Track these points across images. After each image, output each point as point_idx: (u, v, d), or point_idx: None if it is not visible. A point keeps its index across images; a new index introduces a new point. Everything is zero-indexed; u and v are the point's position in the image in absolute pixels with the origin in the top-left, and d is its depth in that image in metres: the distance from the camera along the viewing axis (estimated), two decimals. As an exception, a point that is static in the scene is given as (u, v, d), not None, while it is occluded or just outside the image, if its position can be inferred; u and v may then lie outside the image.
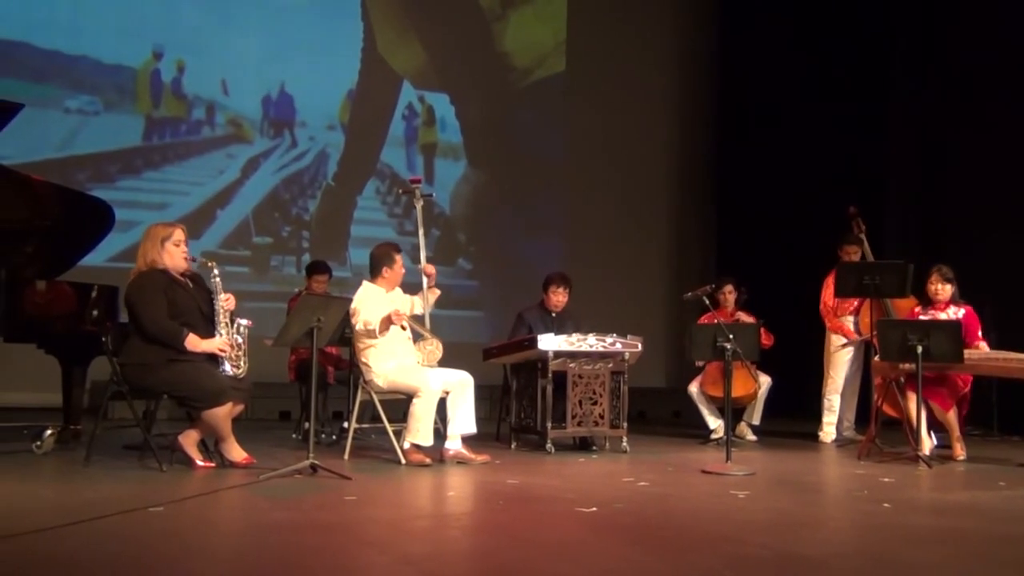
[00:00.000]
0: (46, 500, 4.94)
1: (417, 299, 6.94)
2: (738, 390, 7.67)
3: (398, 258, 6.73)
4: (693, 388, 8.22)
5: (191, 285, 5.92)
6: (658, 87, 12.82)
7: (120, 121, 10.75)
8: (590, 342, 7.14)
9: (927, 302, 7.28)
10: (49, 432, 6.53)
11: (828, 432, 8.24)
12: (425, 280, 6.96)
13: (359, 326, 6.41)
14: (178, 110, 10.98)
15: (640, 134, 12.65)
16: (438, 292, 7.07)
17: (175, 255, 5.84)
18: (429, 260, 7.15)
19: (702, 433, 8.22)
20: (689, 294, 6.94)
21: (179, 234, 5.89)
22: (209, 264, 5.95)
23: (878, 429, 7.16)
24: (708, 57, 13.00)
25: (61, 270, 6.69)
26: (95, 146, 10.60)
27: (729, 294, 8.32)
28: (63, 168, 10.02)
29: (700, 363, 8.07)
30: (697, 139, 12.99)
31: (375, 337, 6.37)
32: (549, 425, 7.07)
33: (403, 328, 6.53)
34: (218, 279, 5.89)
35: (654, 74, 12.80)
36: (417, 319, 6.84)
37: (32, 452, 6.38)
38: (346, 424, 6.94)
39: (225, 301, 5.88)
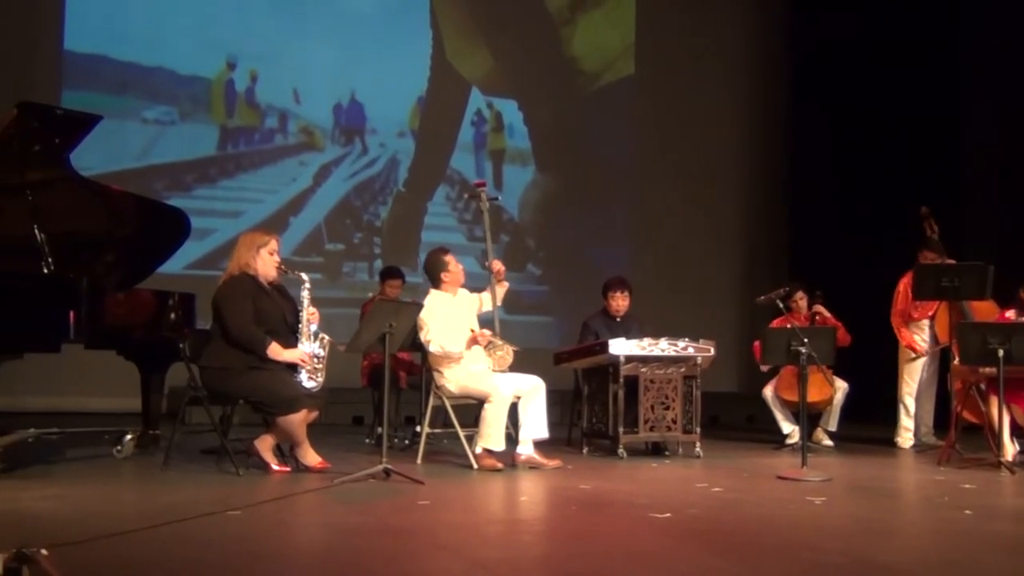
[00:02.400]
0: (127, 503, 5.04)
1: (486, 295, 6.95)
2: (814, 395, 7.55)
3: (449, 259, 6.78)
4: (767, 392, 8.11)
5: (277, 294, 6.02)
6: (728, 88, 12.69)
7: (196, 131, 10.95)
8: (662, 346, 7.09)
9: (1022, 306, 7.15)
10: (129, 437, 6.66)
11: (906, 438, 8.08)
12: (492, 277, 6.96)
13: (434, 349, 6.46)
14: (251, 119, 11.15)
15: (710, 136, 12.53)
16: (507, 285, 7.07)
17: (268, 263, 5.95)
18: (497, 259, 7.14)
19: (776, 438, 8.11)
20: (762, 298, 6.87)
21: (274, 244, 6.02)
22: (300, 276, 6.03)
23: (958, 434, 7.01)
24: (779, 57, 12.84)
25: (140, 278, 6.81)
26: (172, 155, 10.81)
27: (800, 300, 8.19)
28: (141, 178, 10.22)
29: (765, 368, 7.98)
30: (769, 140, 12.83)
31: (457, 360, 6.43)
32: (621, 430, 7.03)
33: (482, 343, 6.56)
34: (308, 291, 5.99)
35: (724, 75, 12.68)
36: (490, 327, 6.85)
37: (113, 456, 6.52)
38: (418, 429, 6.98)
39: (311, 315, 5.97)
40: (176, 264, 7.85)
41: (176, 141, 10.83)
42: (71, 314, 5.44)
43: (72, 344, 5.54)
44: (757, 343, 7.55)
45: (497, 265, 6.97)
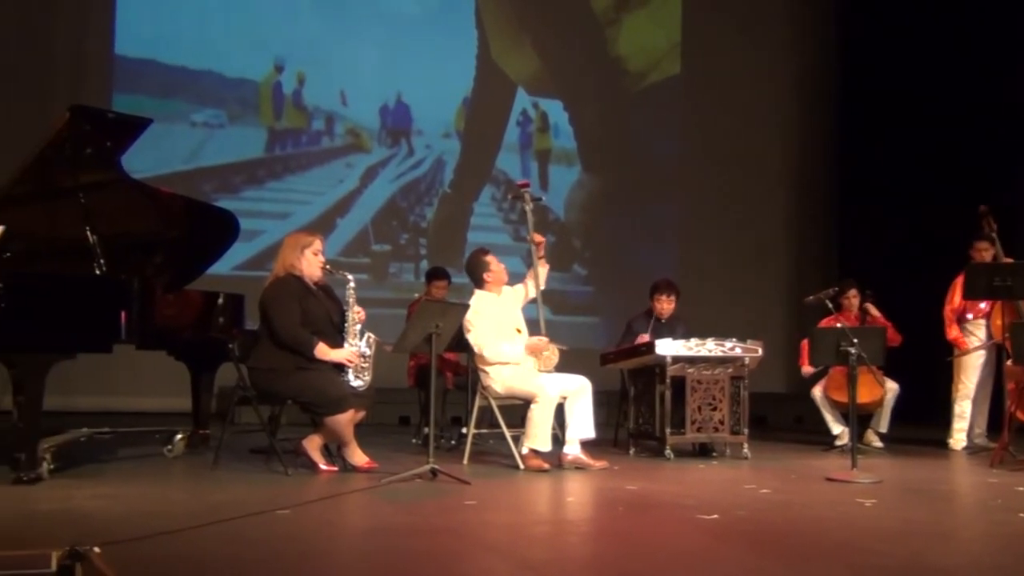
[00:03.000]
0: (177, 502, 5.10)
1: (529, 283, 6.93)
2: (864, 396, 7.45)
3: (490, 259, 6.79)
4: (817, 392, 8.03)
5: (323, 295, 6.06)
6: (775, 86, 12.58)
7: (244, 133, 11.05)
8: (709, 347, 7.05)
9: None
10: (179, 436, 6.75)
11: (958, 439, 7.96)
12: (534, 249, 6.92)
13: (487, 355, 6.48)
14: (299, 121, 11.23)
15: (757, 135, 12.43)
16: (547, 266, 7.05)
17: (313, 264, 5.99)
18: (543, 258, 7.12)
19: (825, 440, 8.03)
20: (811, 297, 6.81)
21: (318, 244, 6.06)
22: (345, 276, 6.07)
23: (1011, 436, 6.90)
24: (828, 53, 12.71)
25: (189, 279, 6.88)
26: (220, 158, 10.92)
27: (853, 298, 8.09)
28: (190, 180, 10.33)
29: (809, 370, 7.91)
30: (817, 138, 12.71)
31: (518, 363, 6.44)
32: (668, 431, 7.00)
33: (542, 349, 6.57)
34: (353, 291, 6.02)
35: (771, 73, 12.57)
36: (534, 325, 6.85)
37: (164, 456, 6.60)
38: (465, 429, 6.99)
39: (357, 314, 6.00)
40: (225, 265, 7.92)
41: (224, 143, 10.94)
42: (123, 315, 5.50)
43: (123, 344, 5.61)
44: (805, 342, 7.49)
45: (539, 238, 6.91)
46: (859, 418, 6.73)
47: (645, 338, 7.35)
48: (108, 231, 5.96)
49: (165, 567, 3.50)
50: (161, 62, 10.73)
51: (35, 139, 5.87)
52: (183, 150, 10.72)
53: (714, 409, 7.07)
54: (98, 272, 5.80)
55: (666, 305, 7.76)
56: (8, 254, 5.58)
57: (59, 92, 9.90)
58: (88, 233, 5.86)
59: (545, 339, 6.64)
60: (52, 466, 5.44)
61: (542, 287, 6.93)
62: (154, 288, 6.00)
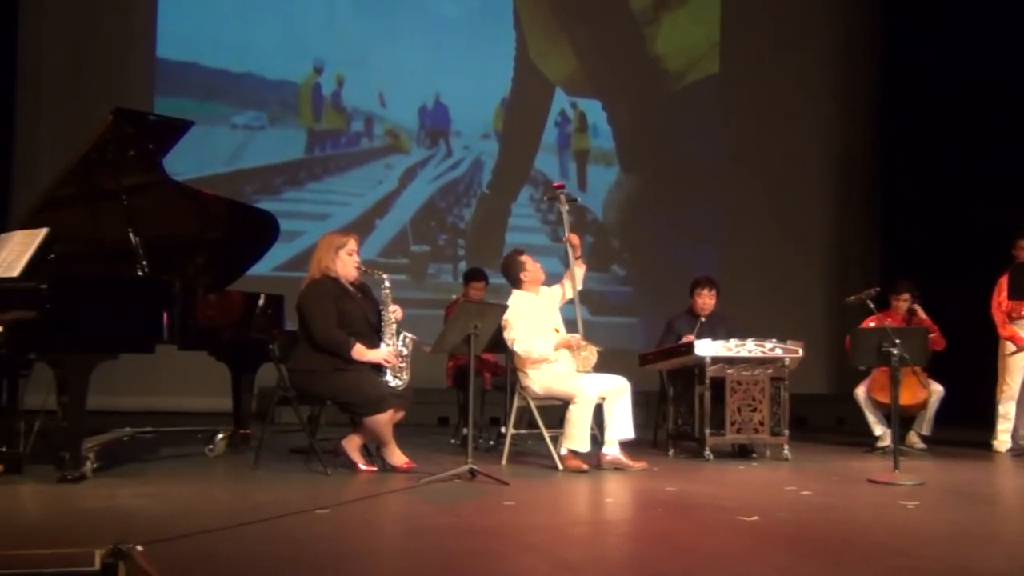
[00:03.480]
0: (218, 501, 5.14)
1: (567, 283, 6.92)
2: (907, 398, 7.39)
3: (525, 259, 6.78)
4: (860, 392, 7.95)
5: (360, 295, 6.08)
6: (816, 84, 12.49)
7: (284, 135, 11.13)
8: (749, 347, 7.00)
9: None
10: (220, 436, 6.80)
11: (1003, 441, 7.86)
12: (570, 251, 6.90)
13: (521, 350, 6.47)
14: (338, 122, 11.30)
15: (798, 134, 12.34)
16: (584, 266, 7.03)
17: (347, 264, 6.02)
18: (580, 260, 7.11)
19: (867, 441, 7.95)
20: (852, 297, 6.75)
21: (352, 244, 6.08)
22: (380, 275, 6.09)
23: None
24: (871, 51, 12.60)
25: (230, 280, 6.93)
26: (261, 160, 11.01)
27: (904, 300, 7.99)
28: (231, 182, 10.42)
29: (863, 368, 7.84)
30: (859, 137, 12.60)
31: (550, 361, 6.44)
32: (707, 432, 6.96)
33: (574, 346, 6.55)
34: (388, 290, 6.04)
35: (812, 72, 12.48)
36: (572, 325, 6.83)
37: (205, 455, 6.66)
38: (503, 430, 6.99)
39: (393, 312, 6.02)
40: (265, 266, 7.97)
41: (265, 145, 11.03)
42: (165, 315, 5.55)
43: (166, 345, 5.66)
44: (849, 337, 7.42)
45: (574, 239, 6.90)
46: (902, 420, 6.66)
47: (690, 338, 7.31)
48: (150, 232, 6.02)
49: (207, 566, 3.52)
50: (202, 65, 10.84)
51: (79, 142, 5.95)
52: (224, 152, 10.82)
53: (754, 410, 7.02)
54: (141, 273, 5.86)
55: (707, 300, 7.72)
56: (52, 256, 5.64)
57: (102, 95, 10.01)
58: (131, 235, 5.91)
59: (577, 336, 6.62)
60: (96, 465, 5.50)
61: (579, 287, 6.91)
62: (196, 289, 6.05)
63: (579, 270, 6.92)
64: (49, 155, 9.61)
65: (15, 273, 5.41)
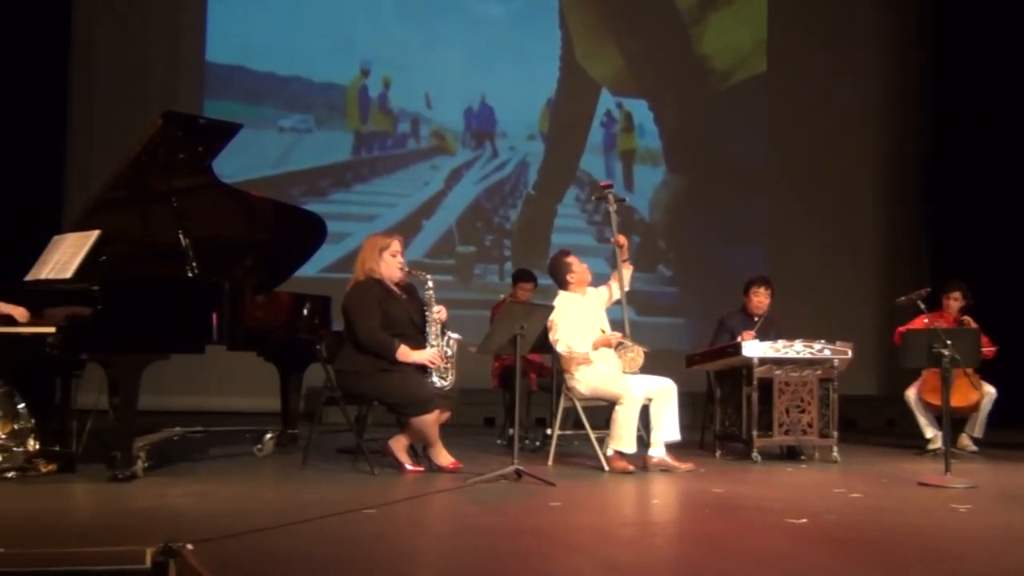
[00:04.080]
0: (267, 501, 5.18)
1: (614, 284, 6.90)
2: (958, 400, 7.28)
3: (572, 260, 6.77)
4: (910, 394, 7.85)
5: (404, 296, 6.11)
6: (865, 81, 12.35)
7: (331, 137, 11.21)
8: (797, 348, 6.95)
9: None
10: (269, 436, 6.86)
11: (1057, 443, 7.74)
12: (618, 252, 6.88)
13: (561, 348, 6.46)
14: (385, 124, 11.35)
15: (847, 132, 12.21)
16: (631, 267, 7.01)
17: (391, 265, 6.05)
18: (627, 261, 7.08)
19: (918, 443, 7.85)
20: (903, 298, 6.67)
21: (396, 245, 6.10)
22: (423, 276, 6.12)
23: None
24: (920, 46, 12.43)
25: (278, 281, 6.98)
26: (308, 162, 11.09)
27: (955, 300, 7.89)
28: (278, 184, 10.50)
29: (915, 367, 7.74)
30: (909, 134, 12.43)
31: (585, 362, 6.43)
32: (755, 433, 6.91)
33: (613, 344, 6.53)
34: (431, 291, 6.06)
35: (860, 70, 12.34)
36: (620, 329, 6.81)
37: (254, 455, 6.71)
38: (549, 431, 6.99)
39: (437, 313, 6.04)
40: (312, 267, 8.02)
41: (312, 148, 11.11)
42: (214, 316, 5.61)
43: (215, 345, 5.71)
44: (900, 330, 7.34)
45: (622, 239, 6.87)
46: (953, 422, 6.57)
47: (751, 334, 7.26)
48: (200, 234, 6.08)
49: (256, 564, 3.55)
50: (250, 68, 10.94)
51: (130, 145, 6.02)
52: (272, 155, 10.91)
53: (802, 411, 6.96)
54: (190, 274, 5.92)
55: (763, 299, 7.66)
56: (104, 257, 5.72)
57: (153, 99, 10.14)
58: (181, 236, 5.98)
59: (618, 335, 6.59)
60: (146, 464, 5.56)
61: (626, 288, 6.89)
62: (244, 290, 6.09)
63: (626, 271, 6.90)
64: (101, 158, 9.74)
65: (68, 275, 5.50)
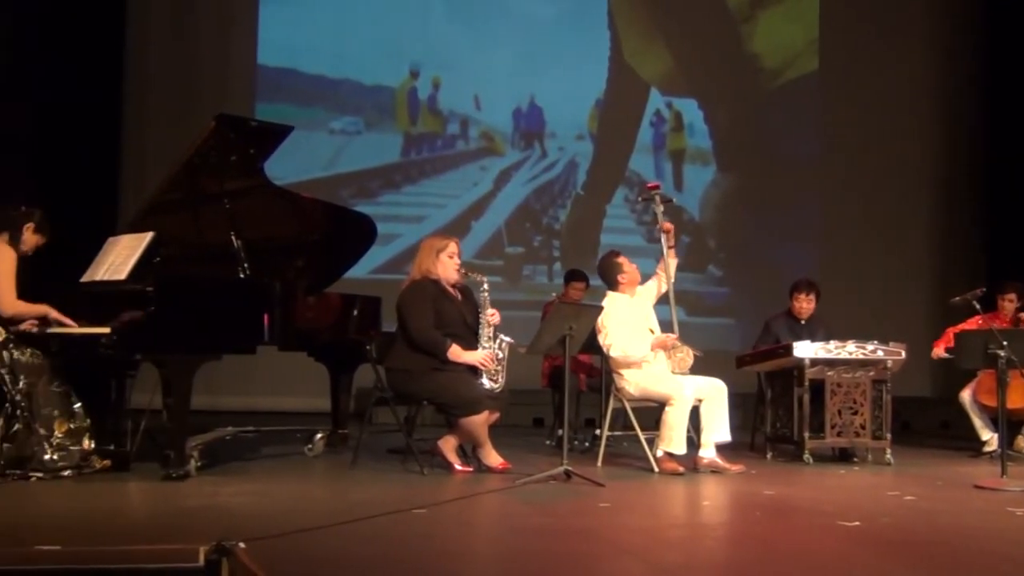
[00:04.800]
0: (318, 500, 5.22)
1: (660, 276, 6.86)
2: (1015, 401, 7.14)
3: (622, 260, 6.75)
4: (965, 395, 7.74)
5: (460, 298, 6.13)
6: (918, 81, 12.17)
7: (381, 139, 11.26)
8: (849, 349, 6.87)
9: None
10: (319, 436, 6.90)
11: (1117, 446, 7.58)
12: (664, 238, 6.85)
13: (616, 354, 6.44)
14: (434, 126, 11.39)
15: (898, 131, 12.04)
16: (676, 259, 6.97)
17: (448, 266, 6.07)
18: (677, 268, 7.04)
19: (973, 446, 7.73)
20: (957, 298, 6.58)
21: (453, 247, 6.13)
22: (479, 278, 6.13)
23: None
24: (975, 45, 12.24)
25: (328, 282, 7.02)
26: (358, 164, 11.16)
27: (1010, 302, 7.76)
28: (329, 186, 10.57)
29: (940, 352, 7.64)
30: (964, 134, 12.25)
31: (639, 365, 6.41)
32: (807, 435, 6.85)
33: (669, 346, 6.50)
34: (486, 293, 6.08)
35: (914, 68, 12.16)
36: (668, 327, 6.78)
37: (304, 454, 6.77)
38: (598, 431, 6.97)
39: (491, 316, 6.06)
40: (362, 269, 8.06)
41: (362, 150, 11.17)
42: (266, 317, 5.66)
43: (266, 346, 5.76)
44: (950, 331, 7.25)
45: (668, 225, 6.84)
46: (1009, 423, 6.48)
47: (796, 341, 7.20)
48: (252, 235, 6.14)
49: (306, 563, 3.58)
50: (301, 71, 11.03)
51: (183, 147, 6.10)
52: (322, 157, 10.98)
53: (855, 413, 6.89)
54: (242, 275, 5.98)
55: (806, 305, 7.61)
56: (157, 259, 5.80)
57: (205, 102, 10.25)
58: (233, 238, 6.04)
59: (673, 336, 6.57)
60: (199, 463, 5.62)
61: (672, 280, 6.84)
62: (295, 291, 6.14)
63: (672, 261, 6.84)
64: (154, 161, 9.88)
65: (123, 276, 5.58)
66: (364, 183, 11.14)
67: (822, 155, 11.96)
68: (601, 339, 6.50)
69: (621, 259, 6.77)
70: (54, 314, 5.47)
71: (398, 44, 11.24)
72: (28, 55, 9.58)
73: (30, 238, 5.69)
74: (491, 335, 6.05)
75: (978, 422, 7.68)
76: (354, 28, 11.15)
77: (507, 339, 6.08)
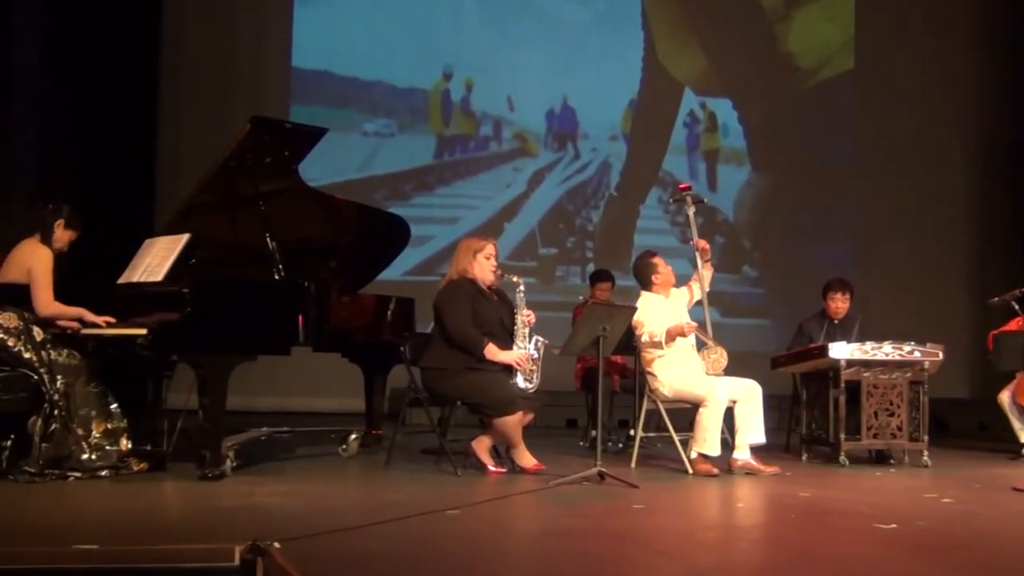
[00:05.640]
0: (352, 500, 5.24)
1: (694, 285, 6.86)
2: (1054, 402, 7.09)
3: (658, 261, 6.73)
4: (1004, 397, 7.64)
5: (495, 299, 6.15)
6: (956, 80, 12.05)
7: (414, 141, 11.30)
8: (886, 350, 6.81)
9: None
10: (353, 436, 6.92)
11: None
12: (699, 256, 6.85)
13: (644, 338, 6.44)
14: (467, 127, 11.41)
15: (936, 130, 11.93)
16: (712, 269, 6.97)
17: (485, 267, 6.09)
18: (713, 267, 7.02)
19: (1012, 448, 7.64)
20: (996, 299, 6.51)
21: (490, 248, 6.15)
22: (516, 279, 6.15)
23: None
24: (1014, 42, 12.10)
25: (362, 283, 7.05)
26: (391, 166, 11.20)
27: None
28: (362, 188, 10.62)
29: (1009, 370, 7.55)
30: (1002, 132, 12.10)
31: (662, 348, 6.39)
32: (842, 437, 6.79)
33: (684, 335, 6.47)
34: (522, 294, 6.10)
35: (952, 66, 12.04)
36: (701, 328, 6.75)
37: (339, 455, 6.79)
38: (632, 432, 6.95)
39: (526, 316, 6.07)
40: (395, 270, 8.08)
41: (395, 152, 11.21)
42: (300, 318, 5.69)
43: (301, 347, 5.79)
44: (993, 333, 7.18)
45: (702, 244, 6.85)
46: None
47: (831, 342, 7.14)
48: (286, 237, 6.17)
49: (340, 563, 3.59)
50: (335, 73, 11.09)
51: (218, 149, 6.14)
52: (356, 159, 11.05)
53: (891, 415, 6.82)
54: (277, 277, 6.01)
55: (840, 304, 7.55)
56: (193, 260, 5.84)
57: (240, 104, 10.34)
58: (268, 239, 6.08)
59: (693, 324, 6.52)
60: (235, 463, 5.66)
61: (707, 289, 6.85)
62: (329, 292, 6.17)
63: (707, 272, 6.86)
64: (190, 163, 9.96)
65: (159, 277, 5.63)
66: (397, 185, 11.18)
67: (858, 155, 11.88)
68: (638, 334, 6.48)
69: (657, 260, 6.76)
70: (90, 316, 5.52)
71: (431, 46, 11.28)
72: (66, 55, 9.71)
73: (62, 235, 5.72)
74: (526, 336, 6.06)
75: (1017, 424, 7.59)
76: (387, 30, 11.19)
77: (542, 339, 6.09)
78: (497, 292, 6.23)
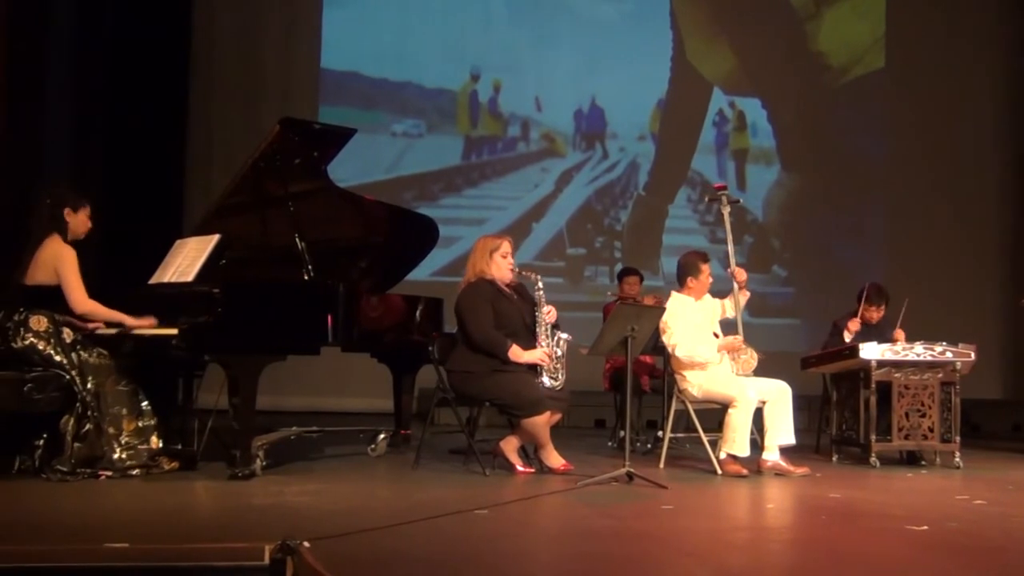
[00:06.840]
0: (380, 500, 5.25)
1: (728, 302, 6.82)
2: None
3: (704, 267, 6.65)
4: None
5: (515, 296, 6.14)
6: (988, 79, 11.94)
7: (442, 142, 11.32)
8: (917, 351, 6.76)
9: None
10: (382, 436, 6.94)
11: None
12: (736, 285, 6.82)
13: (681, 354, 6.39)
14: (495, 128, 11.42)
15: (968, 128, 11.83)
16: (748, 294, 6.91)
17: (502, 266, 6.08)
18: (741, 267, 6.96)
19: (1046, 449, 7.59)
20: (1027, 299, 6.45)
21: (506, 246, 6.14)
22: (533, 276, 6.14)
23: None
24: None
25: (391, 284, 7.07)
26: (419, 167, 11.23)
27: None
28: (391, 188, 10.65)
29: None
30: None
31: (704, 368, 6.36)
32: (873, 438, 6.74)
33: (737, 348, 6.44)
34: (541, 291, 6.09)
35: (984, 65, 11.93)
36: (731, 328, 6.72)
37: (367, 454, 6.81)
38: (661, 433, 6.93)
39: (547, 314, 6.06)
40: (424, 271, 8.10)
41: (423, 152, 11.24)
42: (329, 318, 5.70)
43: (330, 347, 5.81)
44: None
45: (741, 275, 6.74)
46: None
47: (855, 322, 7.06)
48: (315, 237, 6.19)
49: (369, 562, 3.60)
50: (364, 75, 11.14)
51: (248, 151, 6.17)
52: (385, 160, 11.08)
53: (923, 416, 6.77)
54: (307, 277, 6.03)
55: (875, 315, 7.46)
56: (224, 261, 5.87)
57: (269, 104, 10.39)
58: (297, 240, 6.10)
59: (740, 338, 6.52)
60: (265, 463, 5.69)
61: (741, 313, 6.75)
62: (359, 292, 6.18)
63: (742, 298, 6.77)
64: (220, 164, 10.04)
65: (190, 278, 5.66)
66: (426, 186, 11.20)
67: (888, 154, 11.79)
68: (665, 339, 6.46)
69: (705, 266, 6.63)
70: (131, 321, 5.55)
71: (459, 47, 11.30)
72: (96, 57, 9.80)
73: (75, 220, 5.68)
74: (548, 332, 6.05)
75: (1051, 425, 7.52)
76: (416, 31, 11.23)
77: (565, 336, 6.08)
78: (517, 289, 6.21)
